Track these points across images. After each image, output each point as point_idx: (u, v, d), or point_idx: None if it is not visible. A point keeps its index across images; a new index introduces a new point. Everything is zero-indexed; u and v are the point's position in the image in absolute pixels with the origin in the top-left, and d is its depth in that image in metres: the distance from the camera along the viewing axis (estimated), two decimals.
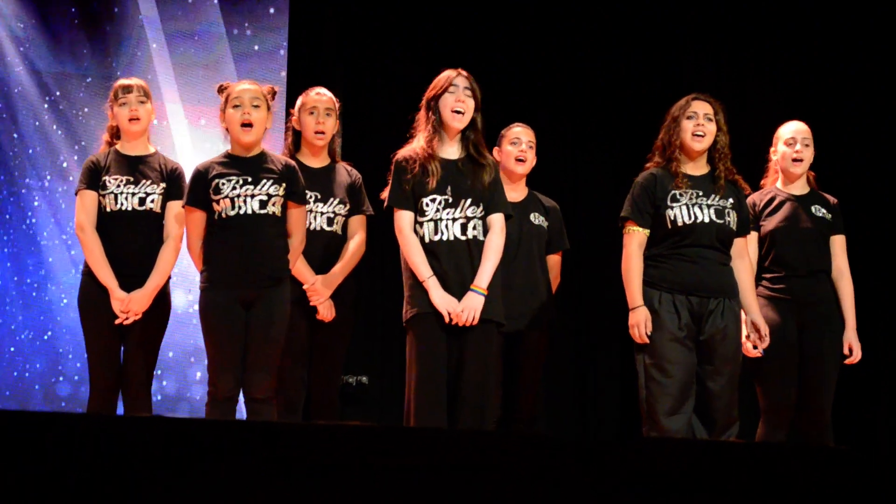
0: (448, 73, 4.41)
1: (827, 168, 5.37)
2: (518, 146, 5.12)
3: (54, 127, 6.43)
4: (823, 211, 4.99)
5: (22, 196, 6.42)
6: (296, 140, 4.90)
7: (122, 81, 4.85)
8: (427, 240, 4.29)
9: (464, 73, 4.41)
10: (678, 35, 6.91)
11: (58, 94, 6.46)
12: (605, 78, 6.96)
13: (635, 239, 4.59)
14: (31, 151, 6.45)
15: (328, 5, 6.83)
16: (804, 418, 4.87)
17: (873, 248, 6.34)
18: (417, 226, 4.31)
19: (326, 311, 4.71)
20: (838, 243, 4.99)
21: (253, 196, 4.40)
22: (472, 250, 4.30)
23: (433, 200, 4.30)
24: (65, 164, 6.43)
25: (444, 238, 4.29)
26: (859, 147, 6.57)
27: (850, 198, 5.99)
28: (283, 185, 4.45)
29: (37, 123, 6.43)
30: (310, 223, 4.73)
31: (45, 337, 6.36)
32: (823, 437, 4.83)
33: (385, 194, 4.42)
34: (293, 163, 4.59)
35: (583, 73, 6.98)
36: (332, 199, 4.80)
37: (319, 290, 4.68)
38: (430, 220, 4.30)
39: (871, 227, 6.36)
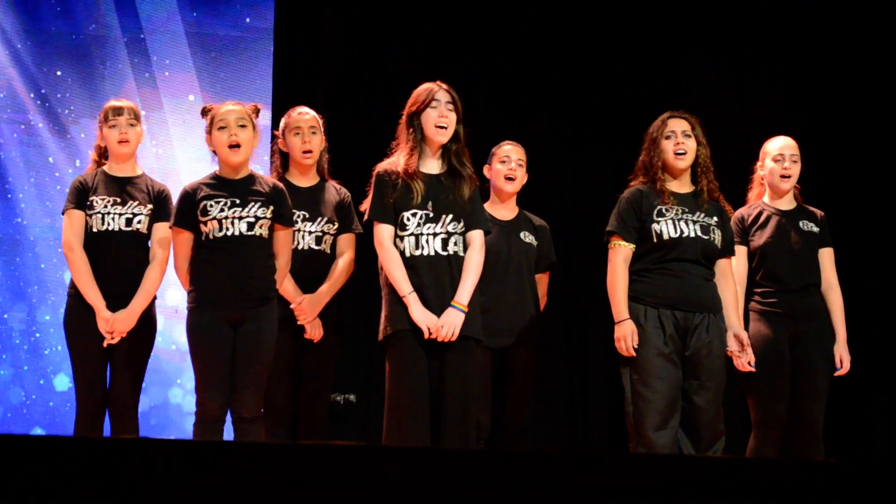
0: (428, 87, 4.39)
1: (827, 169, 5.36)
2: (507, 164, 5.11)
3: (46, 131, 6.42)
4: (811, 225, 5.00)
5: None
6: (283, 161, 4.90)
7: (113, 103, 4.84)
8: (408, 254, 4.29)
9: (444, 86, 4.39)
10: (677, 35, 6.89)
11: (43, 91, 6.43)
12: (603, 78, 6.93)
13: (620, 253, 4.60)
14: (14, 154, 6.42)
15: (315, 20, 6.81)
16: (795, 432, 4.88)
17: (863, 257, 6.35)
18: (398, 240, 4.30)
19: (314, 331, 4.70)
20: (826, 256, 5.01)
21: (240, 218, 4.40)
22: (452, 266, 4.30)
23: (414, 215, 4.30)
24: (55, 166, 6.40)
25: (425, 253, 4.28)
26: (858, 147, 6.58)
27: (842, 204, 6.01)
28: (271, 207, 4.45)
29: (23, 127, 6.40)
30: (298, 242, 4.72)
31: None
32: (814, 451, 4.84)
33: (364, 206, 4.42)
34: (281, 185, 4.59)
35: (580, 76, 6.95)
36: (320, 219, 4.80)
37: (306, 309, 4.67)
38: (411, 234, 4.29)
39: (862, 236, 6.38)
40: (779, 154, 5.00)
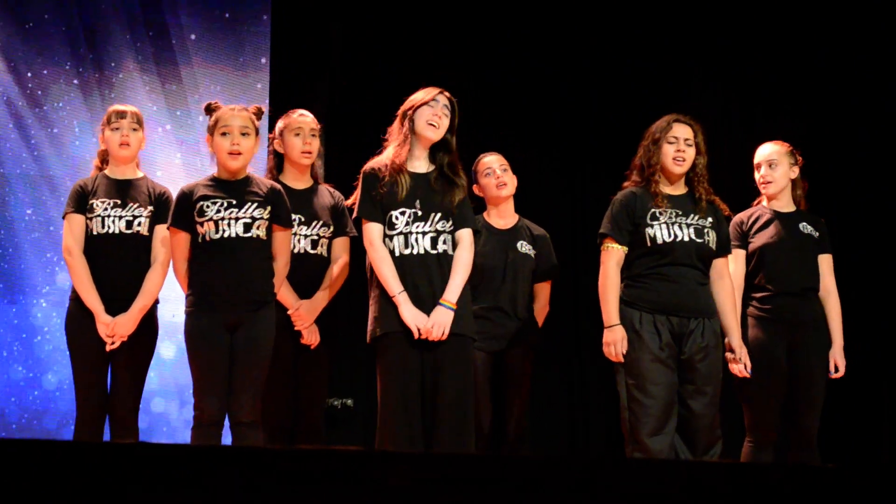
0: (431, 89, 4.39)
1: (826, 175, 5.35)
2: (493, 175, 5.13)
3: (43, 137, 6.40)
4: (810, 229, 4.99)
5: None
6: (278, 163, 4.91)
7: (117, 107, 4.87)
8: (397, 253, 4.28)
9: (447, 94, 4.41)
10: (679, 40, 6.88)
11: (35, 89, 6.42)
12: (604, 83, 6.95)
13: (613, 256, 4.60)
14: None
15: (311, 27, 6.81)
16: (790, 438, 4.88)
17: (861, 263, 6.35)
18: (387, 239, 4.30)
19: (310, 336, 4.71)
20: (825, 262, 4.99)
21: (237, 219, 4.40)
22: (442, 265, 4.29)
23: (402, 213, 4.29)
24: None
25: (415, 252, 4.28)
26: (857, 152, 6.57)
27: (841, 209, 6.00)
28: (268, 208, 4.45)
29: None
30: (293, 246, 4.72)
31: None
32: (809, 457, 4.84)
33: (350, 201, 4.45)
34: (279, 186, 4.59)
35: (581, 80, 6.95)
36: (315, 222, 4.81)
37: (304, 314, 4.68)
38: (400, 233, 4.29)
39: (860, 241, 6.38)
40: (757, 164, 5.00)
